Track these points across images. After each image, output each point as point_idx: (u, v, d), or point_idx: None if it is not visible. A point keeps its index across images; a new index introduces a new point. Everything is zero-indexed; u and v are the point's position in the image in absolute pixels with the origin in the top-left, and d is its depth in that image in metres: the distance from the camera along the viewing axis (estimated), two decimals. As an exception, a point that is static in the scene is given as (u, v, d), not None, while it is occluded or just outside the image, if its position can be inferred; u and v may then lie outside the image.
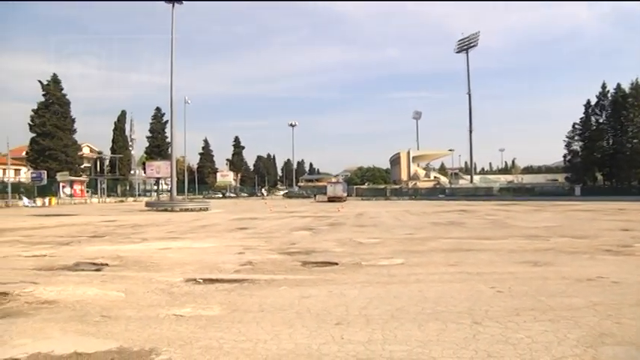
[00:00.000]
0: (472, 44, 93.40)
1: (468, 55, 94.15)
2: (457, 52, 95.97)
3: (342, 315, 5.96)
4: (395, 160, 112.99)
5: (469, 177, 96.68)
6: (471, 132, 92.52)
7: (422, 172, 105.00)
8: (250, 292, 7.40)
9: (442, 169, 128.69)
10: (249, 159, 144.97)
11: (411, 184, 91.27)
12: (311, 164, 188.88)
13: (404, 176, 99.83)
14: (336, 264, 10.27)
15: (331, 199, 64.22)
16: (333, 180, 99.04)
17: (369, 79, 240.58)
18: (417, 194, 79.14)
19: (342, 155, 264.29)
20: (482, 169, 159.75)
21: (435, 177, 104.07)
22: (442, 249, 12.70)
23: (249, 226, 21.85)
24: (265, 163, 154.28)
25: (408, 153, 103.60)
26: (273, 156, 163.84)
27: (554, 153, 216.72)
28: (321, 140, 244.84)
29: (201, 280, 8.41)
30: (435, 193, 79.27)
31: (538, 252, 11.86)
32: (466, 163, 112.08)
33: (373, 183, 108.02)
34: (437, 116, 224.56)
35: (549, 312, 5.97)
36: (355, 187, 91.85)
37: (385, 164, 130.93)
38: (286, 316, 5.94)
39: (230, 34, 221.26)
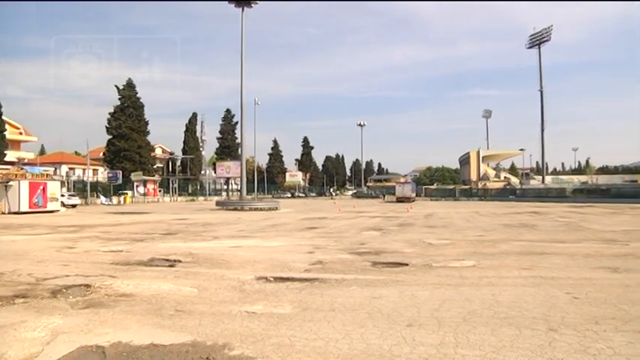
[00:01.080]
0: (545, 39, 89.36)
1: (540, 51, 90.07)
2: (529, 48, 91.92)
3: (413, 316, 5.93)
4: (464, 160, 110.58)
5: (540, 177, 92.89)
6: (542, 130, 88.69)
7: (492, 173, 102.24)
8: (321, 292, 7.47)
9: (512, 169, 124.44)
10: (318, 159, 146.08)
11: (480, 185, 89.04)
12: (379, 164, 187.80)
13: (473, 176, 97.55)
14: (407, 265, 10.21)
15: (400, 200, 63.80)
16: (402, 180, 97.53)
17: (439, 78, 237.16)
18: (486, 195, 77.17)
19: (410, 155, 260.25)
20: (555, 169, 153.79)
21: (505, 177, 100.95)
22: (514, 252, 12.33)
23: (318, 226, 22.05)
24: (334, 163, 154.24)
25: (478, 153, 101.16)
26: (342, 156, 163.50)
27: (632, 152, 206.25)
28: (389, 140, 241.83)
29: (272, 279, 8.56)
30: (505, 193, 76.85)
31: (617, 257, 11.26)
32: (537, 163, 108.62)
33: (442, 183, 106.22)
34: (507, 114, 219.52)
35: (633, 322, 5.66)
36: (424, 187, 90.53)
37: (454, 164, 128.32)
38: (357, 316, 5.96)
39: (299, 35, 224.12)
